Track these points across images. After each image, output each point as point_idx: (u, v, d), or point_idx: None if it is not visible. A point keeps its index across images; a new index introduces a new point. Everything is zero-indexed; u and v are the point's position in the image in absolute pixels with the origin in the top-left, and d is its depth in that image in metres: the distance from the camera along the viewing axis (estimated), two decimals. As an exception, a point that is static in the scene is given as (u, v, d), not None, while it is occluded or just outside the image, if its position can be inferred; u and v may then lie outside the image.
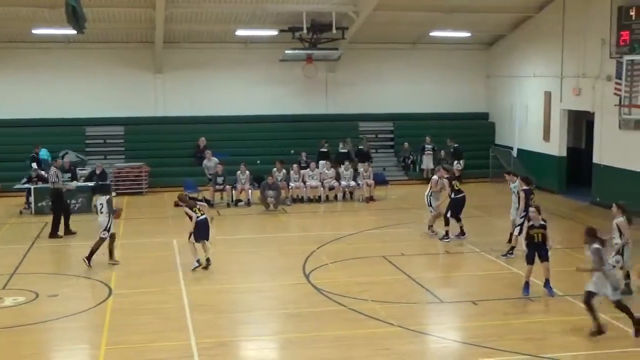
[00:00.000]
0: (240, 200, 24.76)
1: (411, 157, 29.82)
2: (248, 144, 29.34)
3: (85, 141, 28.76)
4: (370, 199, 25.41)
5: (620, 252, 13.92)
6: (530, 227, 14.44)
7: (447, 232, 18.92)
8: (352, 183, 25.62)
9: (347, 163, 26.08)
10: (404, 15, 27.51)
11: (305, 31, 26.78)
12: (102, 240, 16.71)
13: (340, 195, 25.66)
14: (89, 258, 16.64)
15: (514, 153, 29.33)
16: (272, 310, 13.87)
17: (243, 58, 29.91)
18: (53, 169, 20.81)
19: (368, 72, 30.84)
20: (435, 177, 19.74)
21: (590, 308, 12.18)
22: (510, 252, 17.37)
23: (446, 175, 19.36)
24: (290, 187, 25.14)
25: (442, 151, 29.22)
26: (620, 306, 12.21)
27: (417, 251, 17.93)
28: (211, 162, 26.01)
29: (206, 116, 29.64)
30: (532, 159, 27.99)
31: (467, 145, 29.85)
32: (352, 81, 30.85)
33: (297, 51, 28.05)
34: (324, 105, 30.99)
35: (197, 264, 16.28)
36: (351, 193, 25.75)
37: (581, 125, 27.81)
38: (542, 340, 12.14)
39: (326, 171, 25.79)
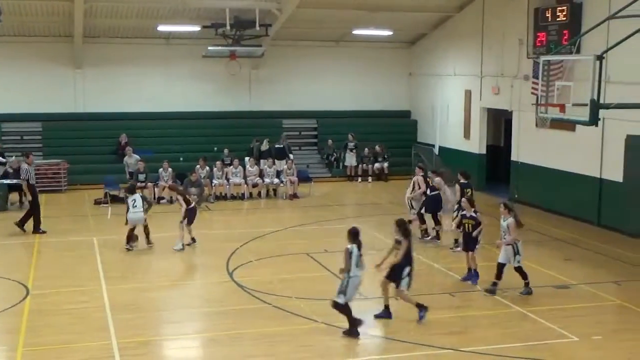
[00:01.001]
0: (162, 198, 24.44)
1: (335, 154, 29.97)
2: (170, 140, 29.00)
3: (2, 137, 27.89)
4: (294, 196, 25.44)
5: (517, 251, 14.22)
6: (463, 217, 15.33)
7: (425, 230, 18.88)
8: (276, 180, 25.61)
9: (269, 160, 26.05)
10: (327, 13, 27.60)
11: (228, 27, 26.61)
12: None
13: (263, 192, 25.61)
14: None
15: (436, 151, 29.79)
16: (195, 309, 13.74)
17: (165, 54, 29.55)
18: (25, 166, 20.24)
19: (292, 69, 30.86)
20: (416, 177, 19.25)
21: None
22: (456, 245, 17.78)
23: (421, 174, 19.20)
24: (213, 185, 24.96)
25: (366, 149, 29.47)
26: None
27: (340, 248, 17.88)
28: (132, 159, 25.59)
29: (127, 112, 29.13)
30: (453, 157, 28.49)
31: (390, 143, 30.25)
32: (275, 78, 30.82)
33: (220, 47, 27.82)
34: (247, 102, 30.88)
35: (181, 247, 17.61)
36: (275, 190, 25.74)
37: (500, 123, 28.45)
38: (463, 334, 12.37)
39: (249, 168, 25.70)
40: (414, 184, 19.18)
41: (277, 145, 28.00)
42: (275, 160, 26.55)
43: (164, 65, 29.56)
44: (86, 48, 28.19)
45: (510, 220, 14.21)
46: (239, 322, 12.83)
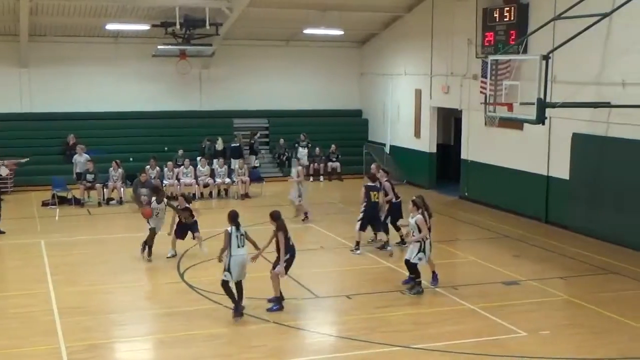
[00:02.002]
0: (112, 199, 24.16)
1: (286, 153, 29.97)
2: (120, 140, 28.64)
3: (-54, 138, 27.29)
4: (246, 195, 25.37)
5: (422, 249, 14.11)
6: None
7: (387, 241, 18.08)
8: (227, 180, 25.51)
9: (221, 160, 25.94)
10: (278, 12, 27.57)
11: (178, 26, 26.40)
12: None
13: (215, 192, 25.48)
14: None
15: (387, 150, 29.98)
16: (145, 311, 13.62)
17: (114, 53, 29.20)
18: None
19: (242, 68, 30.76)
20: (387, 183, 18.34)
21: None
22: (387, 245, 17.85)
23: (385, 178, 18.34)
24: (163, 185, 24.74)
25: (317, 148, 29.54)
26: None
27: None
28: (82, 158, 25.26)
29: (76, 112, 28.68)
30: (404, 155, 28.72)
31: (341, 142, 30.40)
32: (226, 78, 30.68)
33: (169, 47, 27.60)
34: (198, 101, 30.69)
35: (174, 254, 17.19)
36: (226, 190, 25.63)
37: (450, 122, 28.75)
38: (414, 332, 12.47)
39: (200, 168, 25.56)
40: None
41: (232, 144, 27.92)
42: (231, 160, 26.48)
43: (113, 64, 29.20)
44: (32, 47, 27.69)
45: (419, 217, 14.15)
46: (190, 323, 12.74)
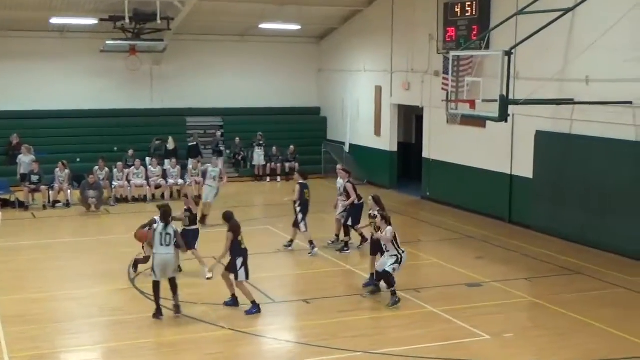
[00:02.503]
0: (58, 201, 23.85)
1: (242, 153, 29.89)
2: (67, 140, 28.28)
3: None
4: (199, 197, 25.15)
5: (399, 260, 13.94)
6: (369, 216, 15.12)
7: (347, 244, 18.19)
8: (180, 181, 25.35)
9: (173, 160, 25.80)
10: (232, 6, 27.47)
11: (127, 21, 26.13)
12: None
13: (167, 194, 25.31)
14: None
15: (346, 148, 30.06)
16: (94, 319, 13.45)
17: (60, 48, 28.79)
18: None
19: (196, 64, 30.59)
20: (340, 181, 18.54)
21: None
22: (346, 247, 18.01)
23: (347, 179, 18.36)
24: (113, 187, 24.53)
25: (274, 148, 29.52)
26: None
27: (249, 250, 17.90)
28: (27, 158, 24.91)
29: (19, 111, 28.19)
30: (364, 154, 28.83)
31: (299, 141, 30.43)
32: (178, 74, 30.48)
33: (118, 42, 27.34)
34: (149, 99, 30.44)
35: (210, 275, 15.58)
36: (179, 191, 25.43)
37: (411, 120, 28.94)
38: (375, 337, 12.53)
39: (152, 169, 25.39)
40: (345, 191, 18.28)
41: (189, 144, 27.78)
42: (189, 160, 26.39)
43: (59, 60, 28.80)
44: (-28, 42, 27.29)
45: (389, 229, 13.99)
46: (142, 331, 12.64)
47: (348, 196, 18.09)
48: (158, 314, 13.04)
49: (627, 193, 17.61)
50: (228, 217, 13.79)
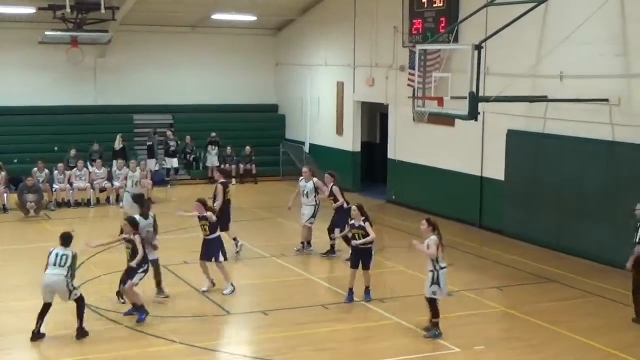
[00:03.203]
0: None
1: (194, 153, 29.76)
2: (2, 139, 27.93)
3: None
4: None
5: (436, 280, 12.96)
6: (351, 227, 15.04)
7: (332, 247, 18.49)
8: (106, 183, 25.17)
9: (120, 161, 25.61)
10: (183, -5, 27.41)
11: (68, 10, 25.84)
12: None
13: (112, 197, 25.10)
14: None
15: (306, 148, 30.10)
16: (29, 333, 13.28)
17: (-6, 39, 28.49)
18: None
19: (143, 57, 30.44)
20: (305, 183, 18.64)
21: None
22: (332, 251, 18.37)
23: (332, 183, 18.29)
24: (53, 190, 24.28)
25: (229, 148, 29.46)
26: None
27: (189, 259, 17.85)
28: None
29: (-51, 107, 27.93)
30: (325, 155, 28.86)
31: (255, 140, 30.46)
32: (125, 68, 30.32)
33: (59, 32, 27.07)
34: (92, 95, 30.23)
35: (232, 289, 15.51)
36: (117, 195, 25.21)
37: (375, 118, 29.07)
38: (336, 350, 12.57)
39: (96, 171, 25.18)
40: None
41: (148, 143, 27.65)
42: (147, 160, 26.40)
43: (-7, 52, 28.51)
44: None
45: (433, 237, 13.13)
46: (84, 346, 12.54)
47: (335, 199, 18.20)
48: (34, 337, 12.81)
49: (604, 196, 17.85)
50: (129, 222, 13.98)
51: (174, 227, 21.25)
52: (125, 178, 21.44)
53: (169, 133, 29.80)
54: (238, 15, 29.02)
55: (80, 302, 12.85)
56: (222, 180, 18.68)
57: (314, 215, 18.60)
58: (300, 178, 19.10)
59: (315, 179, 18.64)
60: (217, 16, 28.99)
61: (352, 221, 15.04)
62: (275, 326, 13.67)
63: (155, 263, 14.84)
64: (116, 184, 25.05)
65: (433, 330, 13.00)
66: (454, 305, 14.88)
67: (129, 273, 13.59)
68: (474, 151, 21.87)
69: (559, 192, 19.05)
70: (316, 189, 18.52)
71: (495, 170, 21.11)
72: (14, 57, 28.69)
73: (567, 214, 18.85)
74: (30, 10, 26.52)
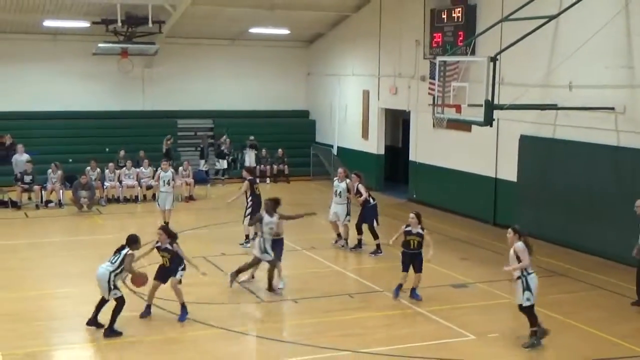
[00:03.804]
0: (50, 201, 23.74)
1: (233, 155, 29.81)
2: (60, 141, 28.17)
3: None
4: (190, 198, 25.18)
5: (526, 286, 11.96)
6: (408, 233, 14.25)
7: (360, 241, 18.42)
8: (176, 177, 25.23)
9: (164, 162, 25.65)
10: (223, 11, 27.41)
11: (119, 24, 26.05)
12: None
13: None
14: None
15: (334, 151, 30.06)
16: (85, 317, 13.32)
17: (52, 50, 28.69)
18: None
19: (187, 67, 30.54)
20: (340, 183, 18.54)
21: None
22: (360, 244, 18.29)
23: (357, 181, 18.40)
24: (105, 187, 24.43)
25: (264, 150, 29.48)
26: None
27: (238, 251, 17.91)
28: (23, 157, 24.82)
29: (12, 112, 28.05)
30: (352, 157, 28.78)
31: (288, 143, 30.42)
32: (170, 77, 30.43)
33: (110, 45, 27.26)
34: (140, 101, 30.38)
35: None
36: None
37: (398, 123, 28.97)
38: (362, 336, 12.52)
39: (143, 170, 25.30)
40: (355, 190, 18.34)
41: (201, 145, 28.43)
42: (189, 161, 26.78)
43: (52, 62, 28.69)
44: (-34, 44, 27.12)
45: (519, 244, 12.09)
46: (135, 329, 12.57)
47: (360, 195, 18.24)
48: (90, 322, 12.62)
49: (610, 196, 17.67)
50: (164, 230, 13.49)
51: (213, 222, 21.41)
52: (159, 178, 20.96)
53: (223, 137, 29.55)
54: (273, 30, 29.08)
55: (118, 303, 12.33)
56: (249, 177, 18.86)
57: (349, 214, 18.51)
58: (335, 178, 19.09)
59: (348, 180, 18.58)
60: (254, 30, 29.06)
61: (409, 228, 14.22)
62: (304, 313, 13.67)
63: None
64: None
65: (532, 339, 11.97)
66: (470, 296, 14.81)
67: (167, 276, 13.20)
68: (489, 154, 21.72)
69: (568, 193, 18.88)
70: (348, 189, 18.45)
71: (509, 172, 20.95)
72: (71, 67, 28.90)
73: (575, 213, 18.68)
74: (85, 24, 26.75)
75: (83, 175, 23.41)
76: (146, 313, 13.18)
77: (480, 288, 15.33)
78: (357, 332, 12.68)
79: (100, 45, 27.26)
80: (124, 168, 25.14)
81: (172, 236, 13.25)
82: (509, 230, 12.11)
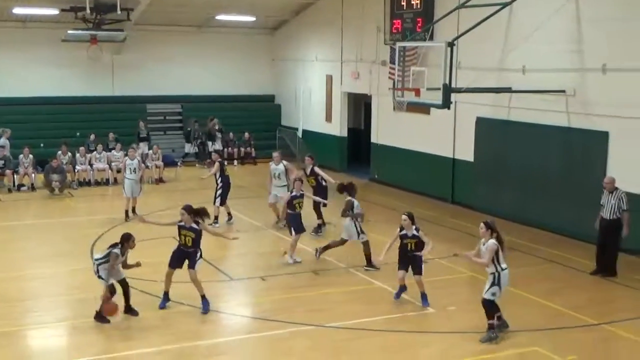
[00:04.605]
0: (23, 185, 23.39)
1: (201, 138, 29.61)
2: (31, 126, 27.70)
3: None
4: (160, 180, 25.00)
5: (497, 282, 11.25)
6: (404, 237, 12.86)
7: (320, 225, 17.95)
8: (142, 165, 24.97)
9: (137, 145, 25.45)
10: (190, -1, 27.16)
11: (88, 11, 25.62)
12: None
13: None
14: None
15: (299, 134, 30.01)
16: (58, 297, 13.26)
17: (22, 37, 28.10)
18: None
19: (155, 54, 30.18)
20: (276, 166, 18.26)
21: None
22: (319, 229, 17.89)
23: (311, 164, 18.02)
24: (76, 170, 24.15)
25: (231, 133, 29.32)
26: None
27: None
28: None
29: (-17, 98, 27.63)
30: (316, 140, 28.80)
31: (254, 127, 30.32)
32: (139, 63, 30.04)
33: (80, 32, 26.82)
34: (110, 87, 29.97)
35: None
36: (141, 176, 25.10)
37: (360, 107, 28.98)
38: (327, 311, 12.55)
39: (115, 153, 25.03)
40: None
41: (188, 129, 28.49)
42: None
43: (22, 49, 28.10)
44: (-64, 31, 26.50)
45: (491, 241, 11.22)
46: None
47: (316, 178, 17.94)
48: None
49: (561, 175, 17.89)
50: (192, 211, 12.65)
51: (181, 203, 21.23)
52: (125, 166, 20.18)
53: (214, 121, 29.14)
54: (239, 17, 28.84)
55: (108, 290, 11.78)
56: (219, 160, 18.99)
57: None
58: (271, 162, 18.72)
59: (284, 162, 18.33)
60: (220, 17, 28.81)
61: (404, 231, 12.80)
62: (272, 290, 13.66)
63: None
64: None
65: (488, 333, 11.34)
66: (429, 271, 14.79)
67: (182, 258, 12.51)
68: (447, 136, 21.82)
69: (522, 172, 19.07)
70: (287, 171, 18.25)
71: (466, 152, 21.09)
72: (41, 54, 28.39)
73: (528, 191, 18.88)
74: (54, 11, 26.27)
75: (54, 159, 23.11)
76: (164, 302, 12.56)
77: (439, 263, 15.41)
78: (322, 308, 12.71)
79: (69, 32, 26.80)
80: (95, 152, 24.86)
81: (198, 213, 12.47)
82: (482, 224, 11.32)
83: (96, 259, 12.10)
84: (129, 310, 12.17)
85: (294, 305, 12.77)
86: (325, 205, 17.79)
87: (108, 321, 11.70)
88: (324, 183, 18.11)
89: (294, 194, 15.68)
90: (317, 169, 18.19)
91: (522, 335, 11.50)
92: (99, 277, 11.97)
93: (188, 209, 12.48)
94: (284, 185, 18.30)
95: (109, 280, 11.86)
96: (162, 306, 12.53)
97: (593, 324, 12.06)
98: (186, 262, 12.49)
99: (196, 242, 12.40)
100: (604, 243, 14.71)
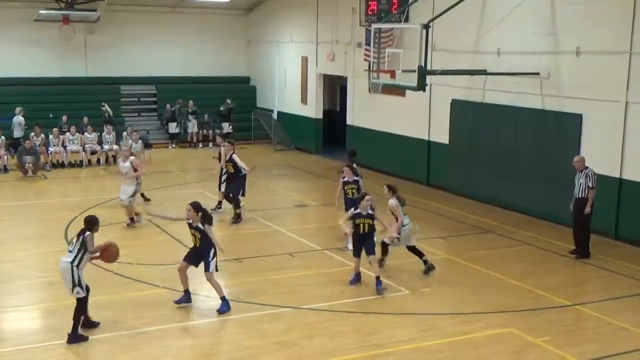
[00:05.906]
0: (-4, 169, 23.13)
1: (176, 120, 29.35)
2: (2, 107, 27.31)
3: None
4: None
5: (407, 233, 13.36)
6: (357, 216, 12.59)
7: (239, 215, 17.42)
8: (115, 147, 24.78)
9: (109, 127, 25.19)
10: (164, -22, 26.86)
11: (60, -10, 25.31)
12: None
13: (102, 159, 24.76)
14: None
15: (274, 116, 29.88)
16: (31, 280, 13.11)
17: (-7, 17, 27.73)
18: None
19: (129, 34, 29.87)
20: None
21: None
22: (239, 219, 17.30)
23: (231, 151, 17.33)
24: (49, 152, 23.87)
25: (206, 115, 29.12)
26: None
27: (182, 213, 17.63)
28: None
29: (-47, 78, 27.18)
30: (292, 121, 28.72)
31: (229, 109, 30.11)
32: (112, 44, 29.71)
33: (52, 11, 26.44)
34: (83, 68, 29.63)
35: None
36: (114, 157, 24.90)
37: (336, 88, 28.90)
38: (302, 293, 12.54)
39: (88, 135, 24.77)
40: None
41: (172, 109, 28.04)
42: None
43: (-7, 29, 27.77)
44: None
45: (392, 201, 13.44)
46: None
47: (234, 166, 17.21)
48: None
49: (535, 157, 17.97)
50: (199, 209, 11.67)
51: (157, 185, 21.12)
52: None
53: (191, 102, 28.86)
54: (213, -3, 28.59)
55: (79, 303, 10.49)
56: (232, 152, 17.46)
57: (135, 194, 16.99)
58: (119, 160, 17.80)
59: (132, 158, 16.97)
60: (194, -3, 28.55)
61: (359, 210, 12.57)
62: (248, 272, 13.62)
63: None
64: (105, 147, 24.74)
65: (428, 264, 13.63)
66: (404, 253, 14.87)
67: (196, 258, 11.80)
68: (422, 118, 21.83)
69: (496, 154, 19.13)
70: (134, 169, 16.75)
71: (441, 135, 21.12)
72: (12, 33, 27.99)
73: (502, 173, 18.95)
74: (26, -10, 25.90)
75: (27, 141, 22.82)
76: (184, 300, 11.84)
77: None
78: (297, 290, 12.70)
79: (41, 12, 26.44)
80: (68, 133, 24.57)
81: (203, 215, 11.60)
82: (385, 187, 13.42)
83: (71, 262, 10.45)
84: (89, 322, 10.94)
85: (270, 287, 12.74)
86: (243, 194, 17.26)
87: (86, 339, 10.50)
88: (242, 171, 17.24)
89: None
90: (234, 157, 17.24)
91: (497, 316, 11.57)
92: (78, 284, 10.44)
93: (195, 205, 11.71)
94: (134, 183, 16.83)
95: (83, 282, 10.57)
96: (179, 302, 11.83)
97: (567, 305, 12.16)
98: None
99: (203, 242, 11.65)
100: (575, 222, 14.84)
